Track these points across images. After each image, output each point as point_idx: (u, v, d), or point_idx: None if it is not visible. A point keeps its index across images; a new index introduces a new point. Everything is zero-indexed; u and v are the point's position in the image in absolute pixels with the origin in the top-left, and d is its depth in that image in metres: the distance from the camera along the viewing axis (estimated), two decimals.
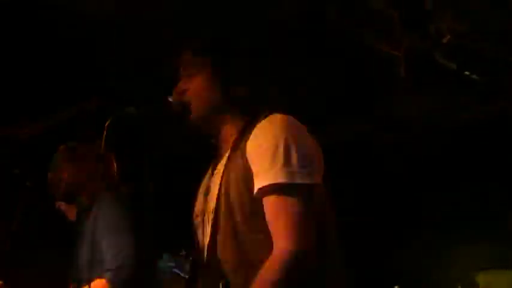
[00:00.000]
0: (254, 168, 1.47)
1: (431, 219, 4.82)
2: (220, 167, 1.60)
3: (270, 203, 1.45)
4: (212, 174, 1.66)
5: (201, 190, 1.71)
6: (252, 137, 1.51)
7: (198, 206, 1.68)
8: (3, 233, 2.31)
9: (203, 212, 1.63)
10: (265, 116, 1.55)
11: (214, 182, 1.60)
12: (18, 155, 3.07)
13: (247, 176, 1.48)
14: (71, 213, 2.47)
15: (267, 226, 1.45)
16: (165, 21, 3.18)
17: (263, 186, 1.44)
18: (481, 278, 4.38)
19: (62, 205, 2.48)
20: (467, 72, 3.70)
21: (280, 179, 1.43)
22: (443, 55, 3.44)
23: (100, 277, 2.11)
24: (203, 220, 1.63)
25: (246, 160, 1.49)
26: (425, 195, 4.83)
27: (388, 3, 3.05)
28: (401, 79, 3.29)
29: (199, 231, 1.64)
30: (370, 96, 3.93)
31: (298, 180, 1.43)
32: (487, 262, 4.49)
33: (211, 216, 1.57)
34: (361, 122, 4.53)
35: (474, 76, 3.73)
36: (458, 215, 4.69)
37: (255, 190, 1.46)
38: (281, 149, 1.45)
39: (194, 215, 1.69)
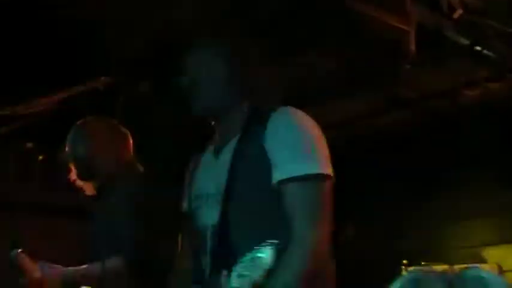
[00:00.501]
0: (274, 159, 1.57)
1: (440, 193, 4.83)
2: (228, 151, 1.66)
3: (292, 193, 1.54)
4: (216, 157, 1.70)
5: (200, 171, 1.75)
6: (270, 128, 1.60)
7: (199, 187, 1.72)
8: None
9: (206, 194, 1.68)
10: (276, 109, 1.64)
11: (220, 165, 1.66)
12: (30, 130, 3.10)
13: (264, 165, 1.57)
14: (88, 189, 2.47)
15: (280, 214, 1.54)
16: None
17: (287, 177, 1.54)
18: (490, 253, 4.40)
19: (77, 180, 2.49)
20: (478, 48, 3.67)
21: (303, 170, 1.54)
22: (454, 30, 3.41)
23: (117, 254, 2.12)
24: (207, 202, 1.67)
25: (264, 149, 1.58)
26: (434, 170, 4.83)
27: None
28: (411, 54, 3.27)
29: (201, 212, 1.68)
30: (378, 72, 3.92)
31: (320, 171, 1.55)
32: (496, 237, 4.51)
33: (219, 198, 1.62)
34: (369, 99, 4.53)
35: (486, 51, 3.70)
36: (467, 188, 4.69)
37: (276, 179, 1.55)
38: (302, 143, 1.57)
39: (192, 196, 1.73)
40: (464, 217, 4.79)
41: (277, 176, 1.56)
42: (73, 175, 2.48)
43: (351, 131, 4.92)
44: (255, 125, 1.65)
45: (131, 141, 2.47)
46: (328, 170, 1.57)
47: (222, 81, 1.69)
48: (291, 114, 1.63)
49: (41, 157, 2.44)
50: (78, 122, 2.50)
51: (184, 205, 1.79)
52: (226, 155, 1.66)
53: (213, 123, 1.76)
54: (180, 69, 1.76)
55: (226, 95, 1.70)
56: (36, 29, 3.20)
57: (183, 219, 1.82)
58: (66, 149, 2.44)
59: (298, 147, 1.57)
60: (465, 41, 3.59)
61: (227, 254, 1.54)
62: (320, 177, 1.55)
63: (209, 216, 1.65)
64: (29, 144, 2.39)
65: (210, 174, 1.70)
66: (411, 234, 4.93)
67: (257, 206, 1.59)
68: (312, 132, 1.61)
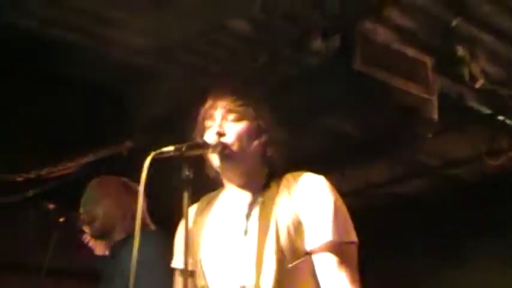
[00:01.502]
0: (308, 224, 1.62)
1: (460, 261, 4.72)
2: (251, 213, 1.67)
3: (331, 259, 1.59)
4: (234, 216, 1.71)
5: (210, 230, 1.74)
6: (302, 192, 1.65)
7: (213, 245, 1.71)
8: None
9: (223, 255, 1.67)
10: (301, 174, 1.70)
11: (241, 227, 1.66)
12: (52, 192, 3.12)
13: (299, 228, 1.61)
14: (99, 248, 2.46)
15: (312, 279, 1.59)
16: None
17: (323, 244, 1.59)
18: None
19: (90, 240, 2.48)
20: (500, 117, 3.67)
21: (338, 237, 1.59)
22: (476, 99, 3.43)
23: None
24: (226, 263, 1.66)
25: (296, 213, 1.62)
26: (455, 238, 4.74)
27: (421, 50, 3.08)
28: (433, 123, 3.27)
29: (220, 273, 1.67)
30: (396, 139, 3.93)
31: (351, 239, 1.62)
32: None
33: (243, 261, 1.62)
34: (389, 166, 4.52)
35: (508, 121, 3.70)
36: (487, 258, 4.58)
37: (312, 245, 1.60)
38: (335, 211, 1.62)
39: (205, 254, 1.72)
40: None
41: (314, 240, 1.60)
42: (87, 236, 2.48)
43: (370, 198, 4.88)
44: (279, 187, 1.68)
45: (146, 202, 2.48)
46: (356, 237, 1.64)
47: (253, 140, 1.72)
48: (321, 180, 1.68)
49: (61, 219, 2.44)
50: (93, 181, 2.53)
51: (183, 262, 1.72)
52: (252, 213, 1.67)
53: (226, 182, 1.76)
54: (199, 129, 1.76)
55: (255, 154, 1.72)
56: (61, 94, 3.28)
57: (179, 276, 1.81)
58: (81, 208, 2.46)
59: (333, 214, 1.61)
60: (487, 110, 3.60)
61: None
62: (354, 245, 1.62)
63: (232, 277, 1.63)
64: (51, 206, 2.39)
65: (233, 233, 1.68)
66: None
67: (288, 269, 1.59)
68: (340, 200, 1.66)
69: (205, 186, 1.84)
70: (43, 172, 3.02)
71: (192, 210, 1.83)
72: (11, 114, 3.20)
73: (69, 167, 3.23)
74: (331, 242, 1.57)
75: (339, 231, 1.59)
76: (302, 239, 1.61)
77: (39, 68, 2.99)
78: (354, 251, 1.62)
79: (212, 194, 1.84)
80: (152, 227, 2.44)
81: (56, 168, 3.05)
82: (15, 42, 2.80)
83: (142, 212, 2.45)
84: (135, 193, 2.45)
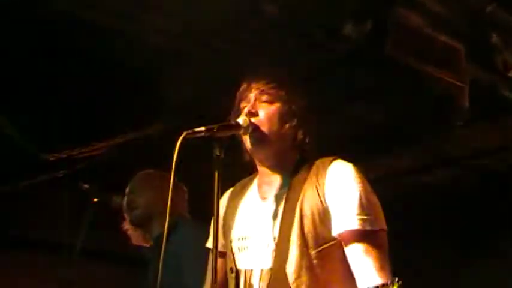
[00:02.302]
0: (336, 211, 1.62)
1: (487, 253, 4.68)
2: (279, 196, 1.68)
3: (358, 247, 1.59)
4: (264, 201, 1.73)
5: (241, 213, 1.76)
6: (330, 179, 1.65)
7: (244, 229, 1.73)
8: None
9: (255, 238, 1.68)
10: (331, 160, 1.69)
11: (269, 209, 1.68)
12: (84, 173, 3.18)
13: (325, 214, 1.62)
14: (136, 238, 2.53)
15: (340, 265, 1.60)
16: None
17: (352, 229, 1.59)
18: None
19: (129, 228, 2.55)
20: None
21: (365, 225, 1.59)
22: (508, 88, 3.38)
23: None
24: (256, 245, 1.67)
25: (324, 199, 1.63)
26: (482, 230, 4.69)
27: (454, 36, 3.04)
28: (464, 111, 3.24)
29: (247, 255, 1.69)
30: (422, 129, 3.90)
31: (379, 227, 1.61)
32: None
33: (271, 243, 1.64)
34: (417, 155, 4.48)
35: None
36: None
37: (339, 232, 1.61)
38: (363, 198, 1.62)
39: (233, 237, 1.74)
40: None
41: (341, 227, 1.59)
42: (126, 223, 2.54)
43: (397, 187, 4.85)
44: (308, 172, 1.68)
45: (186, 196, 2.56)
46: (385, 224, 1.64)
47: (285, 122, 1.73)
48: (350, 168, 1.67)
49: (95, 200, 2.50)
50: (140, 172, 2.60)
51: (214, 244, 1.78)
52: (277, 199, 1.68)
53: (258, 166, 1.77)
54: (234, 111, 1.77)
55: (286, 136, 1.73)
56: (93, 76, 3.32)
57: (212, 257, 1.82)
58: (126, 196, 2.52)
59: (359, 202, 1.61)
60: None
61: None
62: (383, 232, 1.63)
63: (257, 259, 1.65)
64: (86, 186, 2.45)
65: (257, 217, 1.70)
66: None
67: (314, 252, 1.60)
68: (368, 188, 1.66)
69: (242, 172, 1.86)
70: (74, 152, 3.07)
71: (227, 194, 1.87)
72: (45, 95, 3.26)
73: (100, 147, 3.29)
74: (357, 230, 1.58)
75: (366, 219, 1.59)
76: (328, 227, 1.61)
77: (74, 50, 3.03)
78: (383, 238, 1.61)
79: (246, 179, 1.87)
80: (188, 217, 2.50)
81: (87, 149, 3.10)
82: (52, 24, 2.84)
83: (182, 201, 2.51)
84: (181, 190, 2.53)
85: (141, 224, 2.50)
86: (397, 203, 4.79)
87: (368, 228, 1.59)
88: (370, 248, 1.57)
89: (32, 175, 3.34)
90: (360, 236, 1.58)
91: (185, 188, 2.56)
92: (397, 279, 1.31)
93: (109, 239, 3.25)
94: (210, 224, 1.88)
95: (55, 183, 3.10)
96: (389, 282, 1.31)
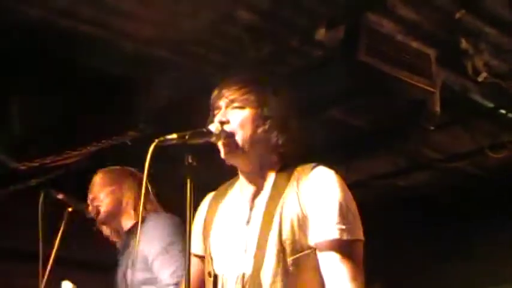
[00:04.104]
0: (314, 219, 1.60)
1: (467, 253, 4.75)
2: (260, 200, 1.68)
3: (333, 256, 1.57)
4: (245, 205, 1.71)
5: (222, 217, 1.76)
6: (310, 186, 1.63)
7: (223, 233, 1.72)
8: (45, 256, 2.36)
9: (234, 242, 1.68)
10: (313, 166, 1.67)
11: (251, 214, 1.67)
12: (61, 181, 3.14)
13: (304, 222, 1.61)
14: (113, 235, 2.51)
15: (316, 274, 1.59)
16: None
17: (328, 239, 1.57)
18: None
19: (101, 227, 2.53)
20: (503, 111, 3.69)
21: (343, 235, 1.57)
22: (479, 93, 3.44)
23: None
24: (234, 250, 1.67)
25: (304, 207, 1.62)
26: (459, 231, 4.76)
27: (424, 42, 3.09)
28: (435, 116, 3.28)
29: (226, 259, 1.68)
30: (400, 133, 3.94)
31: (356, 237, 1.60)
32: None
33: (250, 248, 1.63)
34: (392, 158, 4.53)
35: (510, 115, 3.71)
36: (492, 250, 4.59)
37: (318, 241, 1.59)
38: (343, 207, 1.60)
39: (212, 241, 1.73)
40: (489, 282, 4.68)
41: (318, 236, 1.59)
42: (97, 224, 2.52)
43: (374, 190, 4.90)
44: (289, 177, 1.67)
45: (152, 190, 2.52)
46: (362, 235, 1.62)
47: (257, 127, 1.71)
48: (331, 175, 1.66)
49: (69, 209, 2.47)
50: (100, 170, 2.57)
51: (196, 247, 1.78)
52: (258, 204, 1.68)
53: (238, 170, 1.77)
54: (207, 118, 1.77)
55: (260, 141, 1.71)
56: (67, 83, 3.29)
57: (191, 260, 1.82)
58: (89, 195, 2.49)
59: (339, 211, 1.60)
60: (490, 104, 3.61)
61: None
62: (360, 243, 1.61)
63: (235, 264, 1.65)
64: (60, 195, 2.42)
65: (239, 222, 1.70)
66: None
67: (289, 260, 1.59)
68: (349, 196, 1.65)
69: (225, 174, 1.85)
70: (47, 161, 3.03)
71: (209, 197, 1.86)
72: (15, 103, 3.22)
73: (73, 156, 3.25)
74: (336, 240, 1.57)
75: (345, 229, 1.58)
76: (306, 234, 1.60)
77: (47, 57, 3.00)
78: (359, 248, 1.60)
79: (230, 181, 1.85)
80: (162, 212, 2.48)
81: (61, 157, 3.06)
82: (25, 32, 2.82)
83: (152, 198, 2.49)
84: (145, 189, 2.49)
85: (109, 220, 2.48)
86: (376, 205, 4.85)
87: (345, 238, 1.57)
88: (345, 258, 1.56)
89: (4, 184, 3.29)
90: (337, 245, 1.57)
91: (151, 187, 2.52)
92: None
93: (84, 248, 3.23)
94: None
95: (27, 192, 3.05)
96: None
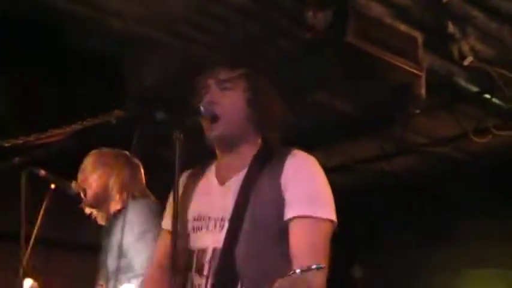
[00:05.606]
0: (289, 198, 1.63)
1: (448, 238, 4.81)
2: (236, 180, 1.70)
3: (302, 230, 1.60)
4: (221, 183, 1.74)
5: (198, 193, 1.78)
6: (287, 169, 1.67)
7: (198, 209, 1.74)
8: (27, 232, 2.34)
9: (208, 218, 1.70)
10: (291, 150, 1.71)
11: (226, 192, 1.70)
12: (44, 159, 3.11)
13: (278, 202, 1.63)
14: (100, 218, 2.50)
15: (282, 250, 1.60)
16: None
17: (299, 215, 1.60)
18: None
19: (88, 209, 2.51)
20: (487, 96, 3.72)
21: (316, 213, 1.61)
22: (464, 77, 3.46)
23: (128, 282, 2.16)
24: (208, 225, 1.70)
25: (280, 188, 1.64)
26: (441, 216, 4.81)
27: (411, 25, 3.09)
28: (420, 100, 3.30)
29: (199, 234, 1.70)
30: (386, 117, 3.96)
31: (329, 217, 1.63)
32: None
33: (223, 224, 1.65)
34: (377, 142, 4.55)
35: (494, 100, 3.74)
36: (475, 236, 4.66)
37: (288, 216, 1.62)
38: (318, 188, 1.65)
39: (188, 217, 1.75)
40: (472, 265, 4.75)
41: (291, 212, 1.61)
42: (83, 205, 2.50)
43: (358, 174, 4.93)
44: (267, 160, 1.70)
45: (142, 172, 2.51)
46: (335, 218, 1.65)
47: (245, 110, 1.73)
48: (307, 159, 1.70)
49: (52, 186, 2.45)
50: (91, 153, 2.54)
51: (168, 223, 1.79)
52: (234, 183, 1.70)
53: (217, 149, 1.78)
54: (196, 98, 1.77)
55: (246, 123, 1.73)
56: (51, 61, 3.26)
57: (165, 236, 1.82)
58: (79, 176, 2.47)
59: (316, 191, 1.65)
60: (475, 89, 3.63)
61: (228, 279, 1.60)
62: (330, 223, 1.64)
63: (210, 239, 1.67)
64: (42, 172, 2.39)
65: (214, 199, 1.72)
66: (419, 276, 4.88)
67: (263, 237, 1.63)
68: (325, 180, 1.69)
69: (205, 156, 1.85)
70: (31, 138, 2.99)
71: (186, 174, 1.87)
72: (0, 80, 3.18)
73: (57, 134, 3.21)
74: (307, 216, 1.60)
75: (318, 207, 1.62)
76: (281, 213, 1.63)
77: (32, 36, 2.97)
78: (329, 228, 1.63)
79: (208, 161, 1.87)
80: (151, 196, 2.46)
81: (45, 135, 3.03)
82: (8, 10, 2.77)
83: (140, 181, 2.48)
84: (136, 166, 2.48)
85: (96, 204, 2.46)
86: (359, 189, 4.88)
87: (317, 215, 1.61)
88: (314, 235, 1.60)
89: None
90: (308, 222, 1.60)
91: (139, 163, 2.50)
92: (322, 266, 1.33)
93: (67, 227, 3.21)
94: (164, 203, 1.88)
95: (11, 170, 3.02)
96: (314, 266, 1.31)
